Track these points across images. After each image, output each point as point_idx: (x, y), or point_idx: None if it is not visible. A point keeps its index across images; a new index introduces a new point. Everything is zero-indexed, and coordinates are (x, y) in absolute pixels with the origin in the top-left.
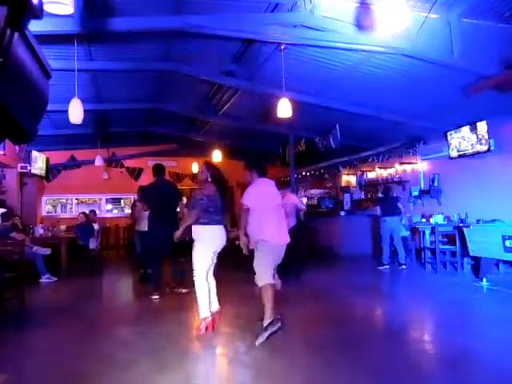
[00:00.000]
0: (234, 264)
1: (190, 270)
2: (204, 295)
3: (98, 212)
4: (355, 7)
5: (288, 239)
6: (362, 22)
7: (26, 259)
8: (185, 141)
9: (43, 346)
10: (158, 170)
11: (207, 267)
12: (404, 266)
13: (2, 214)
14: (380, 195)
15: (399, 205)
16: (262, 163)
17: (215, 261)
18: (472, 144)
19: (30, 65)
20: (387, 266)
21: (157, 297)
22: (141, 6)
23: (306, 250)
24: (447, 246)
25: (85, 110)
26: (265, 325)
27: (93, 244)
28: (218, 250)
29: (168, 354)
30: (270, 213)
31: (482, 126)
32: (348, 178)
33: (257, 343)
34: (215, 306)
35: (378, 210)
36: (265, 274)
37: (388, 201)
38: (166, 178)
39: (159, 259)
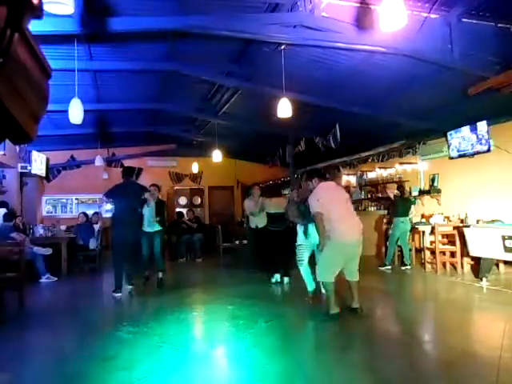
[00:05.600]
0: None
1: None
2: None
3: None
4: (355, 7)
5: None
6: (362, 22)
7: (26, 259)
8: (185, 141)
9: (43, 345)
10: (126, 172)
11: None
12: (409, 266)
13: (4, 214)
14: (396, 194)
15: (412, 206)
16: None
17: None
18: (472, 144)
19: (30, 65)
20: (390, 267)
21: (119, 294)
22: (141, 6)
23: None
24: (447, 246)
25: (85, 110)
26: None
27: (93, 244)
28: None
29: (167, 354)
30: (337, 211)
31: (482, 126)
32: (348, 178)
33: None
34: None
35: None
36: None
37: (406, 201)
38: (133, 180)
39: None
